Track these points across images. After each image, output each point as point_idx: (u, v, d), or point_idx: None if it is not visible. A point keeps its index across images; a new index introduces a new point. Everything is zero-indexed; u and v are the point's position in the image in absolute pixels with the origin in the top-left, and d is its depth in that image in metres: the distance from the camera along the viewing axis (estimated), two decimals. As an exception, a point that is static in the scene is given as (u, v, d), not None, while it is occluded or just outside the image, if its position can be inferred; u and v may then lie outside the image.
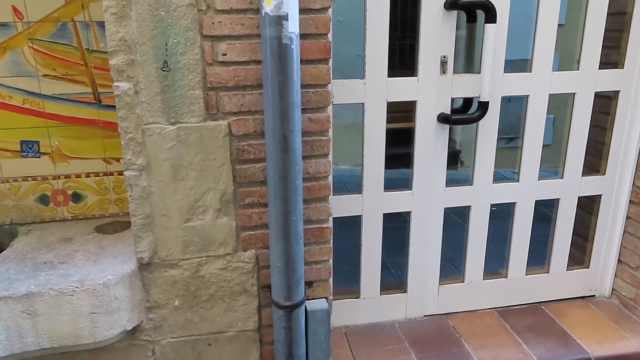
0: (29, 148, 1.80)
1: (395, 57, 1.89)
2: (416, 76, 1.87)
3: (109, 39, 1.44)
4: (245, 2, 1.47)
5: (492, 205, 2.10)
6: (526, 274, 2.21)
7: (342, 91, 1.82)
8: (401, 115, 2.10)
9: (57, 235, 1.79)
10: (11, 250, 1.70)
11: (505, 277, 2.20)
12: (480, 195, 2.06)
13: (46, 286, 1.50)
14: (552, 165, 2.55)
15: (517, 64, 2.11)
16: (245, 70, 1.53)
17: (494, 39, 1.82)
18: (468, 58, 1.95)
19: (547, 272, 2.23)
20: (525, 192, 2.10)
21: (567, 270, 2.25)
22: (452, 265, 2.32)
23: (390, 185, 1.99)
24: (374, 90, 1.84)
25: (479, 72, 1.88)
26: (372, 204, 1.97)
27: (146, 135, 1.51)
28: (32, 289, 1.49)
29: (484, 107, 1.90)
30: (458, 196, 2.05)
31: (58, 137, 1.80)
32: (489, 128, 1.99)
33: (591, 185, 2.16)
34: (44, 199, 1.86)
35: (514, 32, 1.93)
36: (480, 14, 1.84)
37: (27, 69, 1.74)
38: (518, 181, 2.09)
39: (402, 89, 1.87)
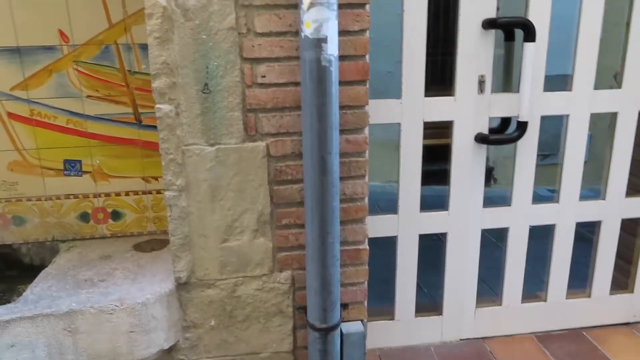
0: (71, 167, 1.85)
1: (429, 74, 1.88)
2: (453, 96, 1.85)
3: (152, 62, 1.47)
4: (285, 25, 1.49)
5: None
6: (566, 298, 2.14)
7: (378, 111, 1.81)
8: (435, 132, 2.08)
9: (97, 253, 1.82)
10: (53, 267, 1.74)
11: (545, 300, 2.13)
12: (519, 216, 2.01)
13: (87, 304, 1.52)
14: (588, 182, 2.48)
15: (554, 79, 2.07)
16: (284, 92, 1.53)
17: (533, 58, 1.79)
18: (506, 77, 1.92)
19: (589, 297, 2.16)
20: (566, 213, 2.03)
21: (609, 294, 2.16)
22: (486, 284, 2.27)
23: (424, 202, 1.96)
24: (410, 110, 1.83)
25: (518, 91, 1.85)
26: (407, 224, 1.94)
27: (186, 156, 1.53)
28: (73, 307, 1.51)
29: (522, 127, 1.86)
30: (496, 217, 2.01)
31: (99, 156, 1.85)
32: (527, 148, 1.94)
33: (635, 207, 2.08)
34: (84, 217, 1.90)
35: (551, 47, 1.89)
36: (519, 33, 1.82)
37: (72, 90, 1.79)
38: (558, 202, 2.03)
39: (439, 108, 1.85)
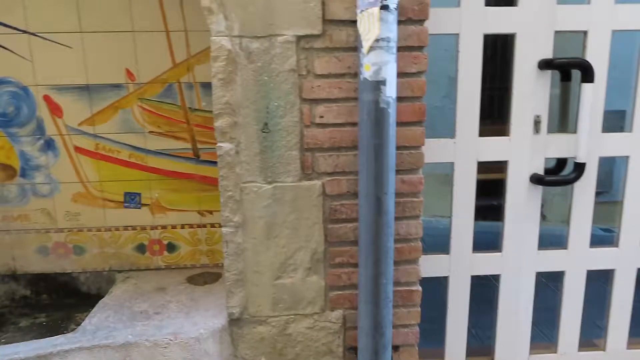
0: (131, 199, 1.92)
1: (485, 109, 1.87)
2: (508, 136, 1.82)
3: (215, 103, 1.52)
4: (344, 67, 1.52)
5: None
6: (628, 348, 2.03)
7: (431, 150, 1.79)
8: (485, 166, 2.04)
9: (151, 284, 1.86)
10: (110, 298, 1.79)
11: (604, 349, 2.03)
12: (576, 260, 1.94)
13: (142, 337, 1.55)
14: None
15: (610, 115, 2.01)
16: (341, 132, 1.56)
17: (591, 98, 1.75)
18: (562, 117, 1.89)
19: (652, 347, 2.04)
20: (626, 258, 1.95)
21: (675, 345, 2.04)
22: (538, 328, 2.17)
23: (475, 238, 1.92)
24: (464, 149, 1.82)
25: (575, 132, 1.81)
26: (459, 265, 1.90)
27: (244, 193, 1.56)
28: (129, 339, 1.54)
29: (580, 168, 1.81)
30: (551, 260, 1.94)
31: (158, 190, 1.91)
32: (585, 190, 1.89)
33: (702, 253, 1.98)
34: (141, 248, 1.96)
35: (608, 83, 1.85)
36: (576, 73, 1.79)
37: (135, 126, 1.87)
38: (617, 247, 1.95)
39: (494, 148, 1.83)
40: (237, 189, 1.56)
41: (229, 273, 1.60)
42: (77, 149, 1.88)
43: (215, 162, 1.54)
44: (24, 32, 1.81)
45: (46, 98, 1.86)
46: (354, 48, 1.51)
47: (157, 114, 1.86)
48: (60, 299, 1.98)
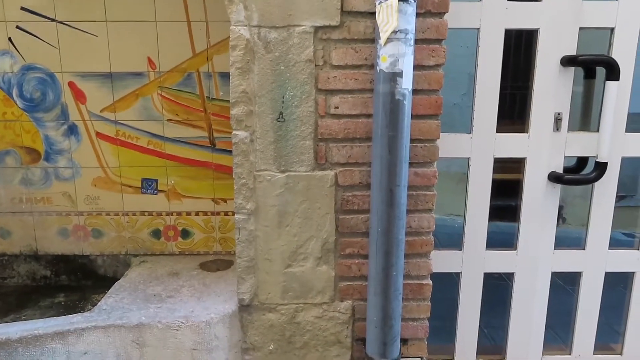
0: (148, 185, 1.96)
1: (503, 107, 1.84)
2: (527, 132, 1.80)
3: (232, 91, 1.54)
4: (361, 58, 1.52)
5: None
6: (646, 354, 1.98)
7: (447, 144, 1.78)
8: (502, 166, 2.01)
9: (165, 269, 1.90)
10: (125, 280, 1.83)
11: (620, 353, 1.98)
12: (594, 261, 1.90)
13: (155, 319, 1.58)
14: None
15: (635, 117, 1.96)
16: (355, 123, 1.56)
17: (616, 97, 1.71)
18: (585, 115, 1.85)
19: (672, 354, 1.98)
20: (647, 262, 1.90)
21: (696, 354, 1.98)
22: (552, 331, 2.14)
23: (492, 239, 1.89)
24: (481, 145, 1.79)
25: (597, 130, 1.77)
26: (472, 262, 1.88)
27: (257, 181, 1.58)
28: (142, 320, 1.58)
29: (601, 167, 1.77)
30: (568, 260, 1.91)
31: (174, 177, 1.95)
32: (606, 190, 1.84)
33: None
34: (156, 233, 2.00)
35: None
36: (600, 71, 1.75)
37: (154, 114, 1.91)
38: (638, 249, 1.90)
39: (511, 145, 1.81)
40: (250, 176, 1.57)
41: (240, 259, 1.62)
42: (99, 135, 1.93)
43: (230, 151, 1.56)
44: (53, 20, 1.86)
45: (71, 84, 1.92)
46: (372, 40, 1.51)
47: (175, 102, 1.90)
48: (78, 280, 2.04)
